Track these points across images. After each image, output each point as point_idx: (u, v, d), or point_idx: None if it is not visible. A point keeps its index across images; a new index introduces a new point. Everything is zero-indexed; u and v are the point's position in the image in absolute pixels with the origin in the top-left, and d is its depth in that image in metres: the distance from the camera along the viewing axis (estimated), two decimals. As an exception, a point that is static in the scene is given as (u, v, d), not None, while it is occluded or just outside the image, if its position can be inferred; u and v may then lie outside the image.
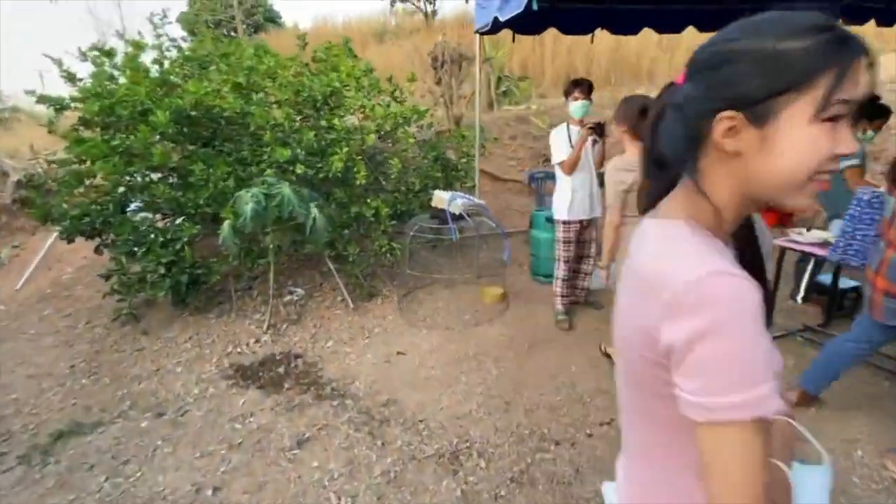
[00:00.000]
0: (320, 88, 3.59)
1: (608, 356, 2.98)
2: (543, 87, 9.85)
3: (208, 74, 3.73)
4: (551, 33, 10.85)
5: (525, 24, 3.71)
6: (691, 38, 11.24)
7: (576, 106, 3.14)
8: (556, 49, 10.09)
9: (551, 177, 5.38)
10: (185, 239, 3.26)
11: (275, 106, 3.64)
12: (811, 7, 0.56)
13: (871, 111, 3.25)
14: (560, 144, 3.22)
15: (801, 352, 2.99)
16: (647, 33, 11.18)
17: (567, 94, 3.18)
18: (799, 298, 3.63)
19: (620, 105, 2.43)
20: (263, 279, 3.91)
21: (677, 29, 4.27)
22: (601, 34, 4.08)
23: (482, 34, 3.76)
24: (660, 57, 10.75)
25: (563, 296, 3.49)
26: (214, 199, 3.23)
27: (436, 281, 4.37)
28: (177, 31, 15.53)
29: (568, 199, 3.26)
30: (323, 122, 3.61)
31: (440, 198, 3.61)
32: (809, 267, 3.54)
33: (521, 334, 3.38)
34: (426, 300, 4.06)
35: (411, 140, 3.63)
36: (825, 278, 3.45)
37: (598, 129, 3.08)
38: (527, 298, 3.99)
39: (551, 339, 3.31)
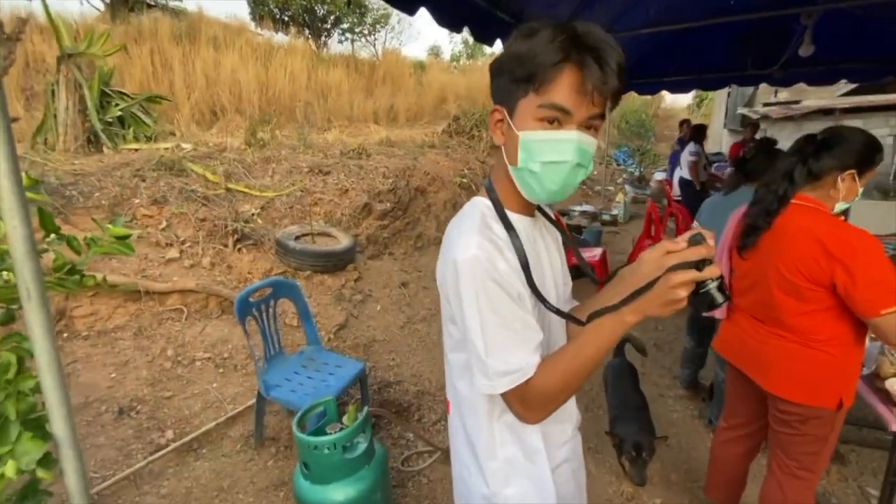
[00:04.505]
0: None
1: None
2: (179, 125, 6.85)
3: None
4: (180, 53, 7.90)
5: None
6: (353, 86, 10.76)
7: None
8: (189, 79, 7.43)
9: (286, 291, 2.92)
10: None
11: None
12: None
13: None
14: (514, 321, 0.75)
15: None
16: (300, 76, 10.03)
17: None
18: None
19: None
20: None
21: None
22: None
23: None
24: (314, 101, 10.14)
25: None
26: None
27: None
28: None
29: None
30: None
31: None
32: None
33: None
34: None
35: None
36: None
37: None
38: None
39: None
